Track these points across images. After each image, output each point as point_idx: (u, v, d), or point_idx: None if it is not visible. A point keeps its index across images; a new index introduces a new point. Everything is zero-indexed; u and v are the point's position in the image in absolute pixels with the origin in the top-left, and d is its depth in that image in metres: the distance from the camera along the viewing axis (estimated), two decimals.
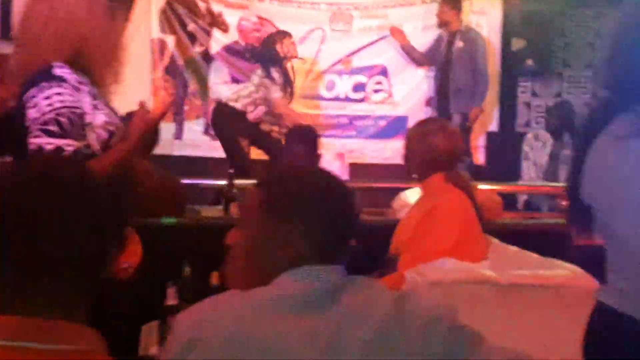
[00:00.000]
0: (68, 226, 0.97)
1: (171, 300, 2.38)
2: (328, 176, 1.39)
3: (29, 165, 1.06)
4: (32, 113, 1.95)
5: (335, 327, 1.20)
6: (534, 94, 7.07)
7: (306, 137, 3.40)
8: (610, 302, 1.56)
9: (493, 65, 6.98)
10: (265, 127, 6.13)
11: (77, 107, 1.99)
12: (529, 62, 6.83)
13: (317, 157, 3.36)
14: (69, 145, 1.95)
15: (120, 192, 1.07)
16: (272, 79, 5.85)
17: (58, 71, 1.99)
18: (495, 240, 2.89)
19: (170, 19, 6.86)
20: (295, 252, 1.27)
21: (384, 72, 7.07)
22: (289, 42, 6.11)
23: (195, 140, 6.86)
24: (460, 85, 6.19)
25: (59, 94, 1.96)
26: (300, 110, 6.99)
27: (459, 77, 6.20)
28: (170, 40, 6.89)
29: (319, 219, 1.29)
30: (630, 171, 1.48)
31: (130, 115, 2.32)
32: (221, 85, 6.97)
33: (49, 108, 1.94)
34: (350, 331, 1.20)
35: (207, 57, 6.94)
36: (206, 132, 6.83)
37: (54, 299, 0.98)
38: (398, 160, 6.82)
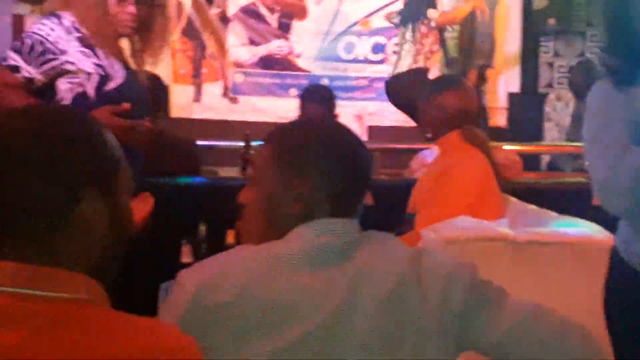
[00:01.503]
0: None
1: (186, 258, 2.39)
2: (339, 128, 1.37)
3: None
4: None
5: (350, 283, 1.19)
6: (557, 54, 6.96)
7: (322, 96, 3.38)
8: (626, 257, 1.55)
9: (513, 25, 6.88)
10: None
11: (50, 42, 2.09)
12: (551, 21, 6.71)
13: (333, 117, 3.34)
14: (13, 59, 2.15)
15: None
16: None
17: (59, 13, 2.17)
18: (514, 199, 2.86)
19: None
20: (309, 206, 1.25)
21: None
22: None
23: (213, 102, 6.85)
24: (461, 45, 6.11)
25: (42, 24, 2.18)
26: (319, 72, 6.95)
27: (462, 37, 6.14)
28: (187, 1, 6.85)
29: (332, 171, 1.26)
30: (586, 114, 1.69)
31: None
32: (239, 48, 6.93)
33: (28, 32, 2.19)
34: (365, 288, 1.18)
35: (225, 18, 6.90)
36: (225, 94, 6.82)
37: (46, 247, 0.98)
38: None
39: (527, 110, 6.74)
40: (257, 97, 6.87)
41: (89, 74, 2.16)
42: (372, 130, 6.44)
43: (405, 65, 5.72)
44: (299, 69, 6.99)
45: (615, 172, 1.53)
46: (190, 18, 6.83)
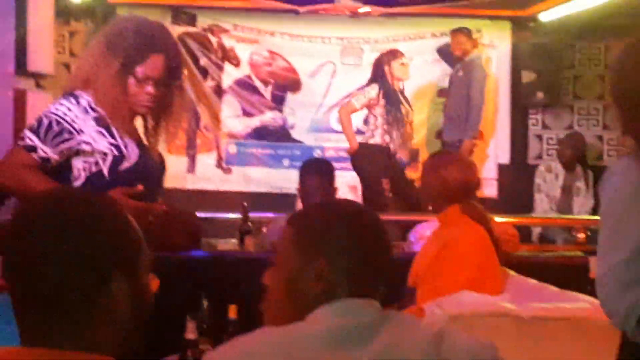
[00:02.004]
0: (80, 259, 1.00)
1: (190, 334, 2.37)
2: (358, 208, 1.39)
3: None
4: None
5: None
6: (545, 126, 7.08)
7: (322, 169, 3.42)
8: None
9: (503, 97, 7.02)
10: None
11: (67, 122, 2.11)
12: (540, 94, 6.84)
13: (333, 190, 3.37)
14: (30, 139, 2.14)
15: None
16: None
17: (77, 92, 2.18)
18: (513, 273, 2.87)
19: (183, 53, 6.92)
20: (328, 286, 1.27)
21: None
22: (399, 64, 5.85)
23: (207, 173, 6.89)
24: (453, 115, 6.21)
25: (60, 104, 2.18)
26: (312, 143, 7.02)
27: (454, 107, 6.23)
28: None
29: (350, 250, 1.29)
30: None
31: None
32: (233, 119, 7.02)
33: (45, 111, 2.17)
34: None
35: (219, 91, 7.00)
36: (218, 165, 6.87)
37: (78, 331, 1.00)
38: None
39: (517, 182, 6.81)
40: (251, 167, 6.93)
41: (104, 153, 2.17)
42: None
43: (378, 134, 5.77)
44: (292, 140, 7.06)
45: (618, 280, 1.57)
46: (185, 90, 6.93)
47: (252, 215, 3.90)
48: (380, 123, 5.72)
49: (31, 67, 4.13)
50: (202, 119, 6.96)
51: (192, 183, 6.76)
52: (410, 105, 5.93)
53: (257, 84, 7.04)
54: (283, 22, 6.98)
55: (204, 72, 6.96)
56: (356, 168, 5.93)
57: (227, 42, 6.99)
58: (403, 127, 5.77)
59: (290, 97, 7.05)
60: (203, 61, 6.95)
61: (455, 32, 6.36)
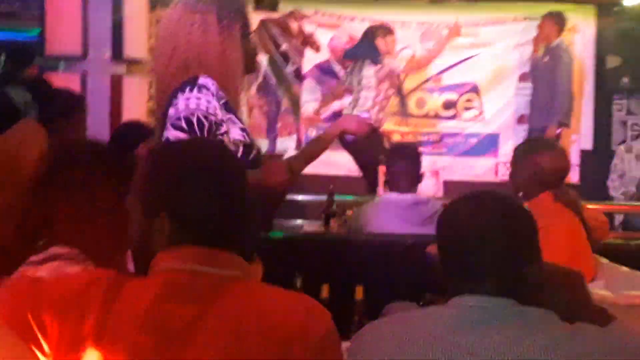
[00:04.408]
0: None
1: None
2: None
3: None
4: (171, 111, 2.03)
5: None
6: (630, 112, 6.89)
7: (410, 154, 3.42)
8: None
9: (587, 83, 6.86)
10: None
11: (212, 114, 2.05)
12: (625, 79, 6.66)
13: (420, 175, 3.38)
14: None
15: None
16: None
17: (202, 80, 2.05)
18: (605, 260, 2.83)
19: (264, 39, 7.00)
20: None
21: (475, 89, 7.04)
22: (392, 40, 5.66)
23: (288, 155, 6.94)
24: (540, 101, 6.08)
25: (198, 98, 2.02)
26: (392, 127, 7.02)
27: (541, 93, 6.10)
28: (264, 59, 7.03)
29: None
30: None
31: None
32: (313, 103, 7.07)
33: (183, 107, 2.01)
34: None
35: (299, 75, 7.06)
36: (298, 147, 6.93)
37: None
38: (489, 177, 6.86)
39: (599, 168, 6.66)
40: (330, 151, 6.93)
41: (237, 144, 2.13)
42: (448, 185, 6.45)
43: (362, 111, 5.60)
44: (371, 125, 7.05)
45: None
46: (266, 75, 7.01)
47: (336, 198, 3.95)
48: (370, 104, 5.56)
49: (127, 53, 4.23)
50: (282, 103, 7.03)
51: None
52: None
53: (337, 68, 7.06)
54: (363, 7, 6.98)
55: (285, 58, 7.01)
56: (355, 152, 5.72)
57: (308, 27, 7.02)
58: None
59: None
60: (284, 46, 7.00)
61: (547, 16, 6.19)
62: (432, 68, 7.02)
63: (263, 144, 6.86)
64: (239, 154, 2.06)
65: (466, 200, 1.45)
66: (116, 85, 4.14)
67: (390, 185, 3.38)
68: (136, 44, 4.11)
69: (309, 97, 7.03)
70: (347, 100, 6.96)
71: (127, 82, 4.23)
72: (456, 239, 1.40)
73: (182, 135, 1.98)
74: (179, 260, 1.27)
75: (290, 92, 7.04)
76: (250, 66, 2.23)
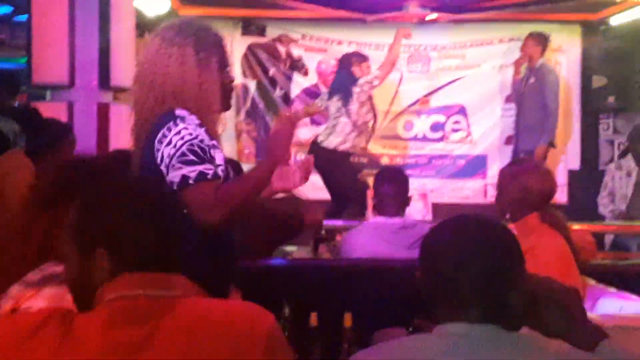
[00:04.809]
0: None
1: None
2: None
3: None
4: (167, 150, 2.03)
5: None
6: (616, 131, 6.93)
7: (397, 177, 3.43)
8: None
9: (573, 102, 6.91)
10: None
11: (202, 140, 2.07)
12: (611, 99, 6.71)
13: (407, 199, 3.38)
14: (208, 169, 2.02)
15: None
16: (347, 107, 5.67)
17: (178, 112, 2.07)
18: (592, 281, 2.84)
19: (252, 64, 7.04)
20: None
21: (462, 111, 7.08)
22: (366, 66, 5.79)
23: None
24: (528, 122, 6.12)
25: (186, 129, 2.04)
26: (379, 150, 7.04)
27: (528, 114, 6.14)
28: (252, 84, 7.07)
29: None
30: None
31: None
32: (301, 128, 7.08)
33: (181, 142, 2.02)
34: None
35: (287, 99, 7.09)
36: None
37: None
38: (478, 199, 6.88)
39: (587, 188, 6.68)
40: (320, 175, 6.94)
41: (222, 174, 2.14)
42: (436, 208, 6.46)
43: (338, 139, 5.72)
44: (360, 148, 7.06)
45: None
46: (254, 100, 7.04)
47: (327, 223, 3.94)
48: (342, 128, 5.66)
49: (114, 82, 4.23)
50: (271, 127, 7.04)
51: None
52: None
53: (325, 92, 7.09)
54: (351, 30, 7.03)
55: (273, 82, 7.06)
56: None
57: (296, 51, 7.07)
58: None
59: None
60: (272, 71, 7.05)
61: (529, 37, 6.25)
62: (420, 91, 7.06)
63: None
64: (220, 182, 2.08)
65: (447, 226, 1.46)
66: (103, 114, 4.13)
67: (378, 209, 3.39)
68: (123, 71, 4.10)
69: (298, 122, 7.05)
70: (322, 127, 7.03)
71: (114, 110, 4.22)
72: (437, 266, 1.40)
73: (199, 167, 2.00)
74: (124, 288, 1.31)
75: (278, 116, 7.05)
76: (227, 100, 2.25)
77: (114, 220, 1.33)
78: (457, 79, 7.05)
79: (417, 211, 6.01)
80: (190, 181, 1.98)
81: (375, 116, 5.85)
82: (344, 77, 5.72)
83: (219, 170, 2.05)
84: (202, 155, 2.02)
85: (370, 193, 4.89)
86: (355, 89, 5.62)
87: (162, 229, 1.36)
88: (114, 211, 1.34)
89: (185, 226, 1.45)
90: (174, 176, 2.00)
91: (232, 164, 2.71)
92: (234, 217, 2.06)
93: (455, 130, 7.10)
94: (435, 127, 7.11)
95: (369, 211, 5.07)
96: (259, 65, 7.05)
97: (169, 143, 2.03)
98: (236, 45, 6.92)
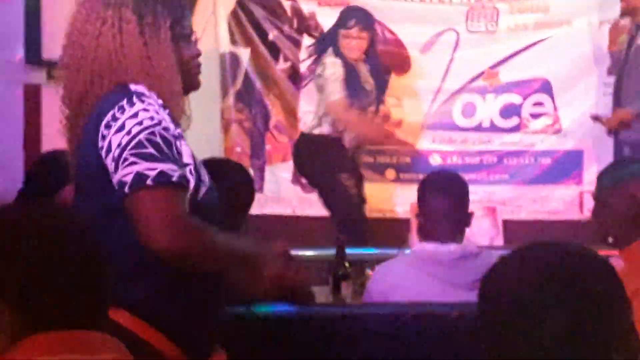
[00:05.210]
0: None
1: None
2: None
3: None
4: (117, 138, 2.06)
5: None
6: None
7: (452, 187, 3.43)
8: None
9: None
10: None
11: (167, 128, 2.11)
12: None
13: (466, 216, 3.39)
14: (172, 169, 2.05)
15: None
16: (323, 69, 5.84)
17: (134, 87, 2.11)
18: None
19: (244, 25, 7.06)
20: None
21: (546, 88, 7.07)
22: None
23: (281, 191, 6.97)
24: (635, 101, 6.07)
25: (145, 110, 2.09)
26: (427, 145, 7.04)
27: (634, 90, 6.10)
28: (244, 54, 7.08)
29: None
30: None
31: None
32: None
33: (139, 128, 2.06)
34: None
35: (296, 75, 7.09)
36: (296, 179, 6.94)
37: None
38: (571, 214, 6.85)
39: None
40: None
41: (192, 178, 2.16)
42: (510, 228, 6.44)
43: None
44: (399, 142, 7.09)
45: None
46: (248, 76, 7.05)
47: (349, 252, 3.96)
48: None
49: (47, 54, 4.25)
50: (272, 115, 7.05)
51: (259, 206, 6.83)
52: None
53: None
54: None
55: (275, 51, 7.06)
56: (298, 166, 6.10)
57: (306, 6, 7.08)
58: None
59: (394, 81, 7.07)
60: (273, 34, 7.06)
61: None
62: (484, 59, 7.05)
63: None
64: (189, 192, 2.11)
65: (516, 259, 1.46)
66: (31, 98, 4.16)
67: (425, 232, 3.39)
68: (60, 39, 4.13)
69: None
70: None
71: (47, 93, 4.25)
72: (501, 319, 1.41)
73: (161, 165, 2.03)
74: (42, 352, 1.36)
75: (282, 99, 7.07)
76: (191, 79, 2.29)
77: (18, 267, 1.38)
78: (537, 42, 7.03)
79: (482, 233, 6.00)
80: (149, 181, 2.01)
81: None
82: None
83: (187, 173, 2.08)
84: (166, 150, 2.06)
85: (413, 207, 4.90)
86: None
87: (81, 280, 1.43)
88: (16, 255, 1.39)
89: (104, 272, 1.50)
90: (125, 174, 2.03)
91: (215, 167, 2.73)
92: (192, 267, 2.09)
93: (537, 116, 7.08)
94: (508, 111, 7.10)
95: (412, 234, 5.06)
96: (253, 27, 7.07)
97: (121, 128, 2.07)
98: None
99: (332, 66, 5.81)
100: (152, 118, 2.07)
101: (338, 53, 5.88)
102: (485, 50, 7.11)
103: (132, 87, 2.12)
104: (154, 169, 2.02)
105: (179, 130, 2.16)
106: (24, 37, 4.24)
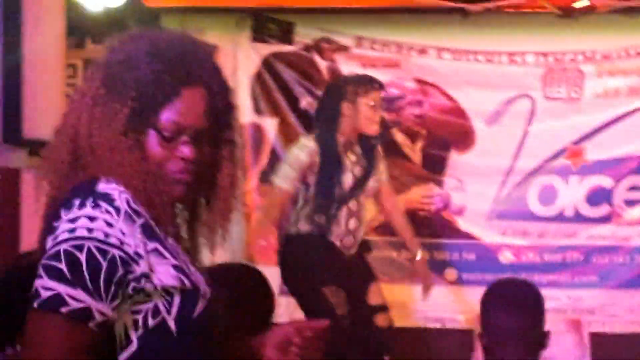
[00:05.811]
0: None
1: None
2: None
3: None
4: (49, 241, 2.08)
5: None
6: None
7: (524, 300, 3.42)
8: None
9: None
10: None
11: (116, 246, 2.10)
12: None
13: (543, 336, 3.38)
14: (74, 298, 2.03)
15: None
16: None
17: (102, 186, 2.10)
18: None
19: (271, 90, 7.12)
20: None
21: None
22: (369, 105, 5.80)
23: None
24: None
25: (91, 218, 2.08)
26: (496, 239, 7.03)
27: None
28: (270, 125, 7.13)
29: None
30: None
31: None
32: None
33: (66, 236, 2.06)
34: None
35: None
36: None
37: None
38: None
39: None
40: (388, 284, 6.93)
41: (168, 291, 2.15)
42: (599, 342, 6.40)
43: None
44: (460, 234, 7.12)
45: None
46: (275, 152, 7.08)
47: None
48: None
49: (28, 133, 4.32)
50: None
51: (287, 309, 6.83)
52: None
53: (398, 137, 7.14)
54: (441, 30, 7.12)
55: (308, 121, 7.10)
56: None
57: (346, 66, 7.15)
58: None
59: (455, 159, 7.13)
60: (305, 101, 7.11)
61: None
62: (566, 133, 7.06)
63: (272, 274, 6.86)
64: (174, 309, 2.12)
65: None
66: (9, 184, 4.21)
67: (490, 355, 3.38)
68: (45, 115, 4.19)
69: None
70: (417, 191, 7.06)
71: (27, 179, 4.30)
72: None
73: (61, 288, 2.02)
74: None
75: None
76: (165, 186, 2.28)
77: None
78: (631, 112, 7.07)
79: (564, 352, 5.97)
80: (35, 303, 2.03)
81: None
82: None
83: (97, 314, 2.06)
84: (83, 272, 2.04)
85: (474, 323, 4.87)
86: None
87: None
88: None
89: None
90: (35, 285, 2.07)
91: (227, 274, 2.74)
92: None
93: (632, 203, 7.09)
94: (597, 196, 7.12)
95: (477, 352, 5.04)
96: (281, 92, 7.14)
97: (55, 229, 2.08)
98: (242, 59, 7.06)
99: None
100: (90, 229, 2.07)
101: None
102: (567, 121, 7.16)
103: (101, 185, 2.12)
104: (50, 290, 2.03)
105: (153, 245, 2.16)
106: (1, 109, 4.30)
